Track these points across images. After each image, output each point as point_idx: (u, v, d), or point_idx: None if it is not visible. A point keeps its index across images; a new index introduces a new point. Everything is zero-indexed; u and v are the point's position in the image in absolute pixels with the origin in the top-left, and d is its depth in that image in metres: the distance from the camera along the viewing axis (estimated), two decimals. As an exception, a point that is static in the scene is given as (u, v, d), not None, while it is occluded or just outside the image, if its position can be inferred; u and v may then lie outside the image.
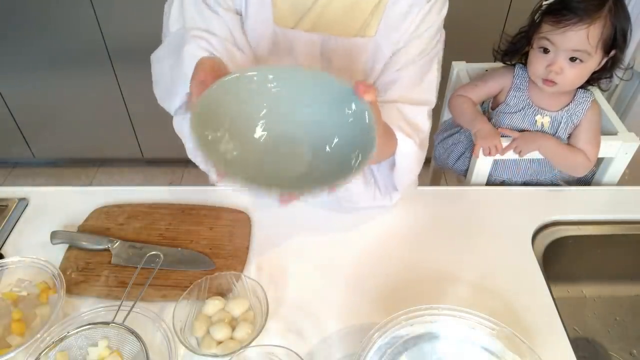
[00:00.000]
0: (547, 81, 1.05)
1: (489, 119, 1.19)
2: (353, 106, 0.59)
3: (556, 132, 1.13)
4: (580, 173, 1.17)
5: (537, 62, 1.06)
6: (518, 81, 1.15)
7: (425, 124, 0.91)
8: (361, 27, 0.89)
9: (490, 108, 1.22)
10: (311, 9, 0.87)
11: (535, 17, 1.05)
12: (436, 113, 1.01)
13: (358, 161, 0.56)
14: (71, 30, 1.99)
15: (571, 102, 1.12)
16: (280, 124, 0.61)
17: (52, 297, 0.85)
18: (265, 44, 0.90)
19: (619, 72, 1.09)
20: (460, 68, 1.35)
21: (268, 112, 0.62)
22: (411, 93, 0.89)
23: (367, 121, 0.57)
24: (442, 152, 1.34)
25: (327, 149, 0.60)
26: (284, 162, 0.60)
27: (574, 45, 0.99)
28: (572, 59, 1.01)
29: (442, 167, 1.43)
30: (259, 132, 0.62)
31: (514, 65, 1.16)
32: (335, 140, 0.60)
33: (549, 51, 1.03)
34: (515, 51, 1.13)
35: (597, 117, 1.13)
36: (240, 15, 0.89)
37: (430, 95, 0.92)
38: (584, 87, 1.12)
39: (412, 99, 0.89)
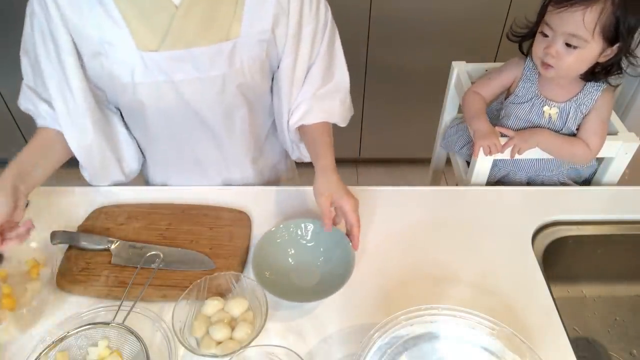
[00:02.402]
0: (545, 64, 1.06)
1: (501, 110, 1.20)
2: (341, 242, 0.91)
3: (565, 124, 1.13)
4: (580, 162, 1.17)
5: (537, 45, 1.07)
6: (528, 72, 1.15)
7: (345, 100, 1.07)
8: (225, 31, 0.89)
9: (504, 99, 1.22)
10: (170, 28, 0.86)
11: (544, 1, 1.05)
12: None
13: (347, 273, 0.85)
14: (71, 30, 1.99)
15: (580, 92, 1.11)
16: (303, 256, 0.94)
17: (44, 272, 0.88)
18: (138, 71, 0.89)
19: (629, 69, 1.06)
20: (460, 68, 1.35)
21: (295, 251, 0.94)
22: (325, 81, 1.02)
23: (349, 251, 0.89)
24: (453, 134, 1.35)
25: (330, 267, 0.91)
26: (305, 276, 0.91)
27: (569, 28, 0.99)
28: (568, 45, 1.01)
29: (448, 151, 1.44)
30: (289, 261, 0.94)
31: (526, 56, 1.16)
32: (334, 260, 0.91)
33: (547, 35, 1.03)
34: (532, 35, 1.11)
35: (607, 106, 1.12)
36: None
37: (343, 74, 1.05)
38: (594, 79, 1.10)
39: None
